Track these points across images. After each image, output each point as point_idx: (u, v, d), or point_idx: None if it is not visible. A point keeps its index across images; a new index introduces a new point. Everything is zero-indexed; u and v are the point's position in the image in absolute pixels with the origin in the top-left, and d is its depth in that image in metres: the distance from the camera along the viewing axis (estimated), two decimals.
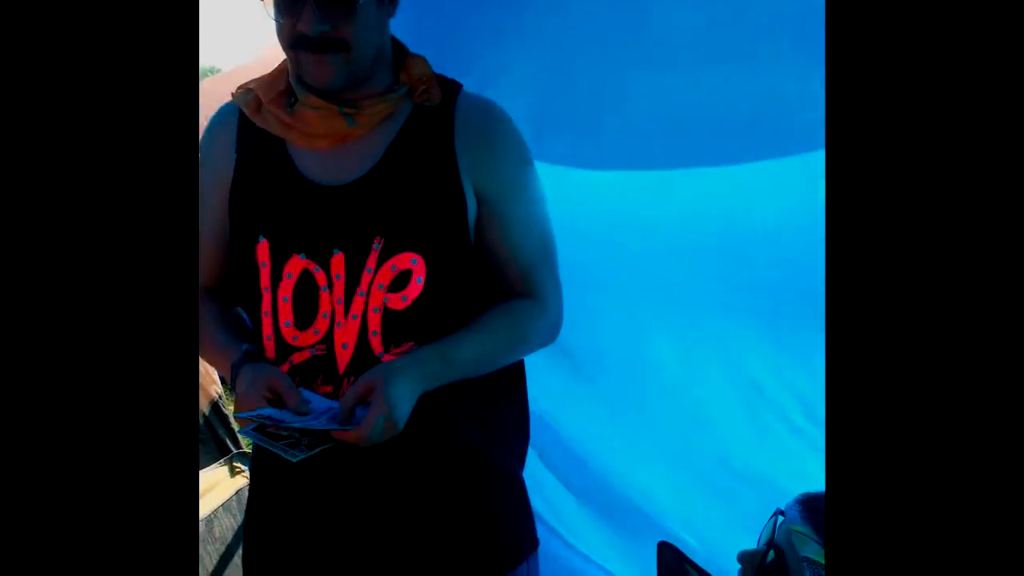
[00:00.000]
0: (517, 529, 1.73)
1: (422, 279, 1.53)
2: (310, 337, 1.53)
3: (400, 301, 1.54)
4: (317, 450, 1.42)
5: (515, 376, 1.74)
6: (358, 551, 1.59)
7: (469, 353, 1.56)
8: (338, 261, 1.53)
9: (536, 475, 2.17)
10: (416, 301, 1.54)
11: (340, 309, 1.54)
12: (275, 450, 1.40)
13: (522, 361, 1.77)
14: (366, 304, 1.53)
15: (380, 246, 1.52)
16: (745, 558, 1.36)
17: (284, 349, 1.55)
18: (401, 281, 1.54)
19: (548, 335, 1.70)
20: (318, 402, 1.50)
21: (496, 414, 1.69)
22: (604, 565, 2.20)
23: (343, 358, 1.55)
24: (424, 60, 1.62)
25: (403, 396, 1.45)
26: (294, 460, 1.39)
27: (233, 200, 1.60)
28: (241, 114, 1.60)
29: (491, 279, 1.67)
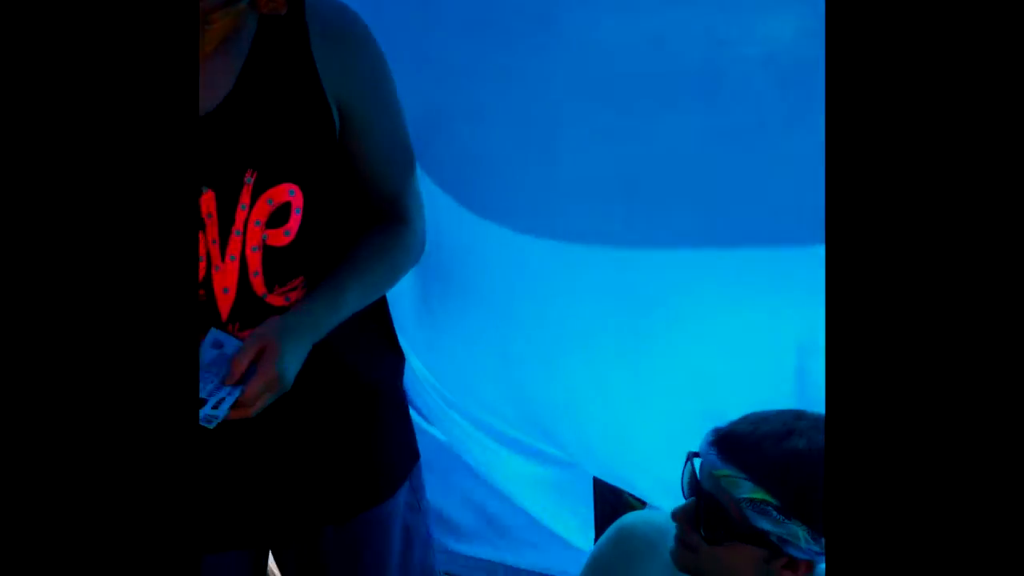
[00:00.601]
0: (397, 446, 1.72)
1: (301, 210, 1.46)
2: None
3: (282, 236, 1.46)
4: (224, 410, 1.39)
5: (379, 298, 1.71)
6: (247, 479, 1.59)
7: (352, 295, 1.50)
8: (207, 200, 1.43)
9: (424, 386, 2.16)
10: (299, 234, 1.47)
11: (216, 251, 1.45)
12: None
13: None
14: (243, 243, 1.44)
15: (252, 179, 1.43)
16: (679, 515, 1.37)
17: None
18: (281, 215, 1.45)
19: (416, 259, 1.64)
20: (230, 345, 1.45)
21: (365, 330, 1.66)
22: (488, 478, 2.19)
23: (224, 303, 1.49)
24: None
25: (294, 358, 1.41)
26: (209, 427, 1.37)
27: None
28: None
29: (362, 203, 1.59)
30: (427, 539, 1.78)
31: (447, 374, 1.97)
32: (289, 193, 1.44)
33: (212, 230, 1.42)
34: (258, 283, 1.45)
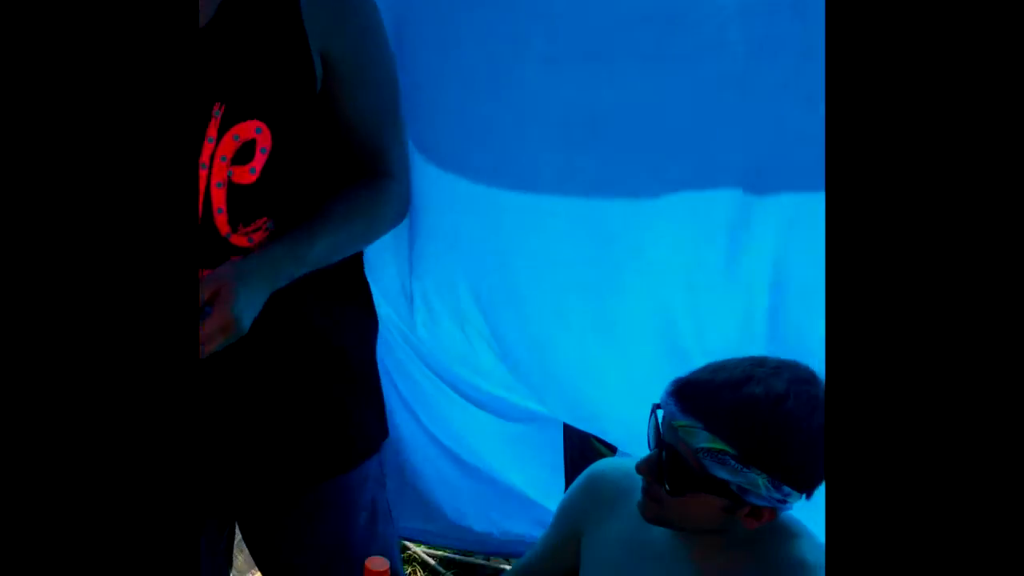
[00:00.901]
0: (366, 417, 1.72)
1: (267, 149, 1.44)
2: None
3: (248, 174, 1.44)
4: None
5: (355, 258, 1.67)
6: (210, 443, 1.59)
7: (321, 247, 1.47)
8: None
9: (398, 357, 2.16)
10: (264, 173, 1.44)
11: None
12: None
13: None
14: (208, 178, 1.42)
15: (220, 113, 1.41)
16: (643, 467, 1.38)
17: None
18: (246, 152, 1.44)
19: (400, 216, 1.62)
20: None
21: (340, 300, 1.64)
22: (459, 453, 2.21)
23: None
24: None
25: (250, 302, 1.39)
26: None
27: None
28: None
29: (345, 155, 1.56)
30: (388, 514, 1.78)
31: (419, 326, 1.97)
32: (255, 131, 1.43)
33: None
34: (222, 221, 1.44)
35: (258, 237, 1.47)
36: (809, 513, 1.38)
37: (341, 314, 1.65)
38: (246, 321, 1.37)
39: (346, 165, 1.56)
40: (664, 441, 1.31)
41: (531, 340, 1.82)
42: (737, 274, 1.61)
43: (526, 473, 2.11)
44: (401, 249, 1.88)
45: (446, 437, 2.12)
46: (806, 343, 1.60)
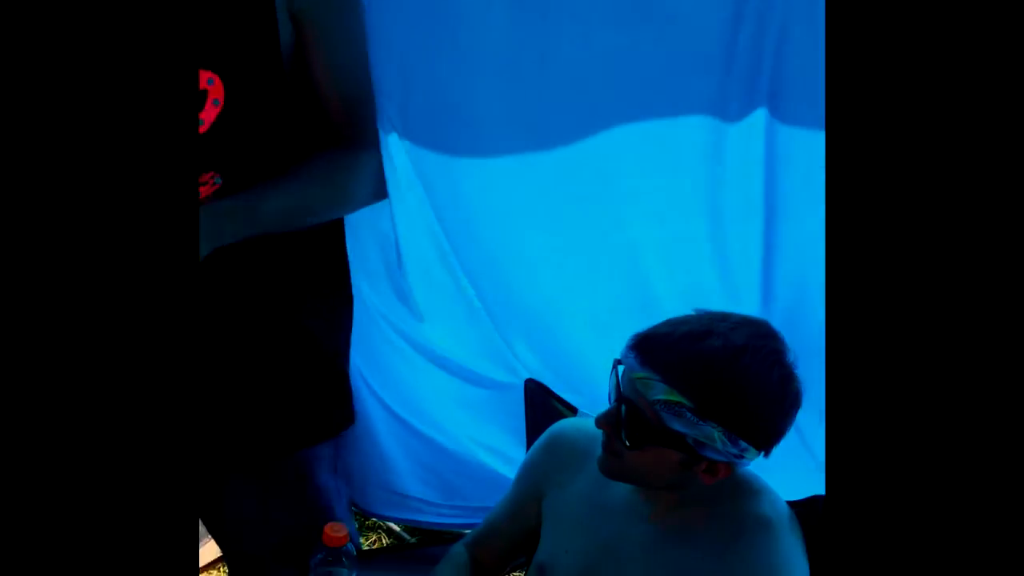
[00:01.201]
0: (324, 404, 1.71)
1: (220, 101, 1.40)
2: None
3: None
4: None
5: (333, 240, 1.64)
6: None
7: (276, 206, 1.43)
8: None
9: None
10: (215, 126, 1.41)
11: None
12: None
13: (340, 225, 1.65)
14: None
15: None
16: (602, 421, 1.38)
17: None
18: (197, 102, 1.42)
19: (375, 189, 1.57)
20: None
21: (313, 281, 1.62)
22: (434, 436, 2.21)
23: None
24: None
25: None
26: None
27: None
28: None
29: (315, 123, 1.53)
30: (340, 493, 1.77)
31: (387, 292, 1.96)
32: (208, 81, 1.39)
33: None
34: None
35: (205, 191, 1.44)
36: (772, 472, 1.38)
37: (315, 297, 1.62)
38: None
39: (320, 133, 1.52)
40: (623, 395, 1.31)
41: (504, 289, 1.83)
42: (713, 204, 1.62)
43: (488, 442, 2.11)
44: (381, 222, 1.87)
45: (407, 410, 2.12)
46: (783, 272, 1.60)
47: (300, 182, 1.46)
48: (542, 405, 1.76)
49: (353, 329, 1.88)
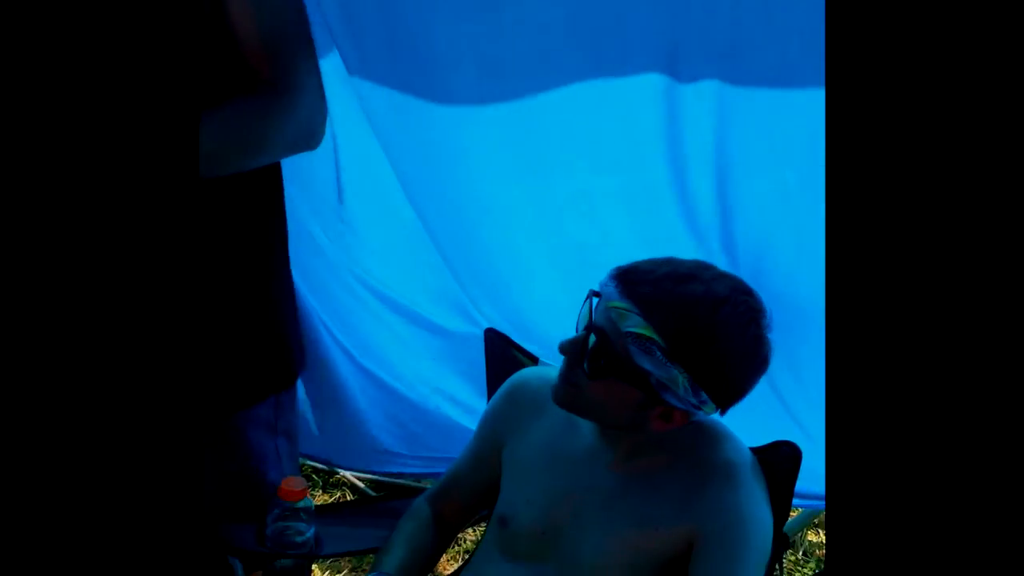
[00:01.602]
0: (259, 367, 1.65)
1: None
2: None
3: None
4: None
5: (268, 193, 1.58)
6: None
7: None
8: None
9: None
10: None
11: None
12: None
13: (277, 177, 1.59)
14: None
15: None
16: (566, 347, 1.35)
17: None
18: None
19: (296, 137, 1.49)
20: None
21: (250, 233, 1.56)
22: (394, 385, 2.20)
23: None
24: None
25: None
26: None
27: None
28: None
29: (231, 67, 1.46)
30: (292, 451, 1.74)
31: (353, 246, 1.94)
32: None
33: None
34: None
35: None
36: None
37: (237, 249, 1.56)
38: None
39: (237, 78, 1.45)
40: (595, 324, 1.29)
41: (463, 238, 1.81)
42: (671, 157, 1.61)
43: (450, 391, 2.10)
44: (328, 161, 1.83)
45: (369, 359, 2.10)
46: (743, 227, 1.58)
47: (212, 130, 1.37)
48: (502, 354, 1.73)
49: (315, 277, 1.85)
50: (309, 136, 1.51)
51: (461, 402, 2.09)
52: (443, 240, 1.83)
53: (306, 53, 1.49)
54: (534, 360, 1.68)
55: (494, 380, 1.72)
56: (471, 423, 1.93)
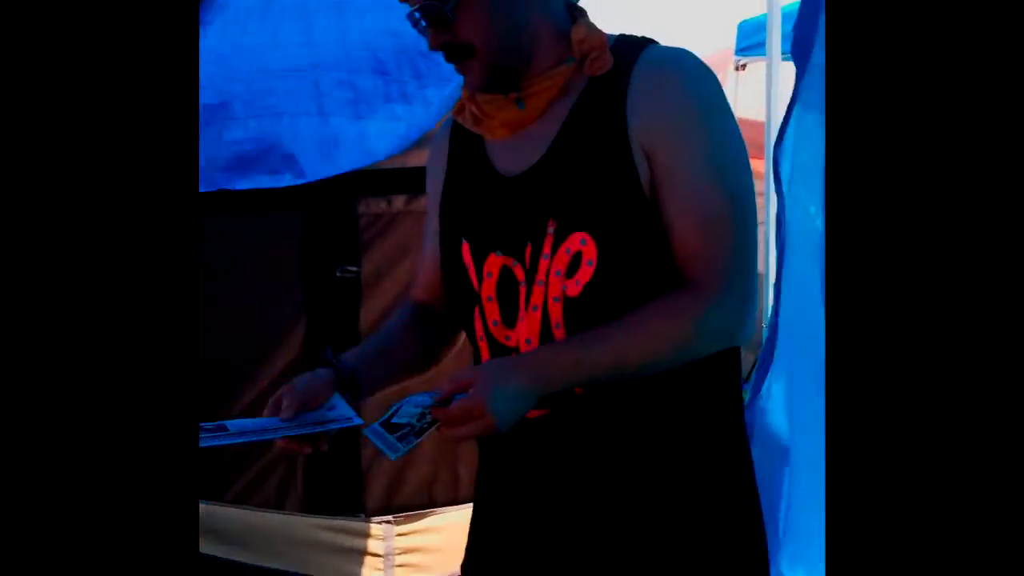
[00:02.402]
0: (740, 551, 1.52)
1: (593, 261, 1.42)
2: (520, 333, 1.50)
3: (574, 286, 1.44)
4: (413, 441, 1.37)
5: (725, 369, 1.52)
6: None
7: (603, 354, 1.38)
8: (529, 252, 1.47)
9: None
10: (589, 286, 1.42)
11: (521, 302, 1.48)
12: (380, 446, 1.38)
13: (735, 353, 1.53)
14: (545, 293, 1.45)
15: (553, 229, 1.45)
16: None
17: (497, 349, 1.52)
18: (573, 265, 1.44)
19: (724, 333, 1.44)
20: (342, 407, 1.49)
21: (705, 417, 1.50)
22: None
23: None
24: (587, 25, 1.51)
25: (505, 398, 1.34)
26: (393, 456, 1.38)
27: (442, 207, 1.64)
28: (454, 122, 1.62)
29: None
30: None
31: None
32: (581, 242, 1.42)
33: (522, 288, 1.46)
34: (560, 335, 1.45)
35: None
36: None
37: (707, 432, 1.51)
38: (503, 416, 1.34)
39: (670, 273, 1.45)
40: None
41: None
42: None
43: None
44: None
45: None
46: None
47: (630, 330, 1.40)
48: None
49: None
50: (739, 332, 1.46)
51: None
52: None
53: (731, 243, 1.44)
54: None
55: None
56: None
